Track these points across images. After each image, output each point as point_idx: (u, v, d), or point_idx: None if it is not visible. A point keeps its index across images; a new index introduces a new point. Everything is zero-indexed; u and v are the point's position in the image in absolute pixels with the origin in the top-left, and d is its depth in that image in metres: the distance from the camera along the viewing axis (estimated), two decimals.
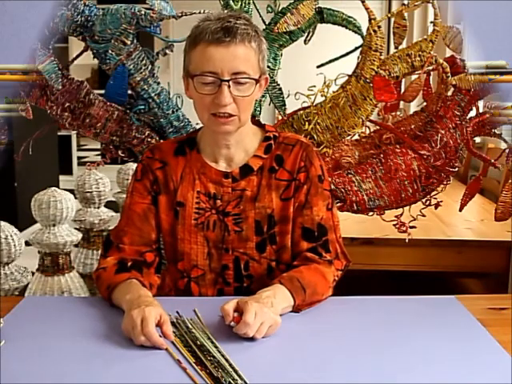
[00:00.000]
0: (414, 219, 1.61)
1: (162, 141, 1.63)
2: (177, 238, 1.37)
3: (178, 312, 1.19)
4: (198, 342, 1.08)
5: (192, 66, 1.26)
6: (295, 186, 1.35)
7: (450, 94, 1.58)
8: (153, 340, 1.06)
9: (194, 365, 1.02)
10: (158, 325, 1.11)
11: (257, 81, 1.27)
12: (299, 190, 1.36)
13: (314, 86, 1.59)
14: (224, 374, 0.98)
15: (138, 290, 1.23)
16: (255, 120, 1.43)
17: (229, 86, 1.23)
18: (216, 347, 1.07)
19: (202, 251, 1.36)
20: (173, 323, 1.14)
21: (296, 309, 1.24)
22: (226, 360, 1.02)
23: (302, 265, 1.33)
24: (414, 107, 3.12)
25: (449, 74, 1.55)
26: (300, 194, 1.36)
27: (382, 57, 1.57)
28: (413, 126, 1.65)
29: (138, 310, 1.10)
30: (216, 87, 1.23)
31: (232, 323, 1.10)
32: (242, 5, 1.63)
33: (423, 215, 1.60)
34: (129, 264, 1.33)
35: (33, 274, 2.05)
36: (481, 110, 1.59)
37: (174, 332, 1.12)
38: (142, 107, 1.63)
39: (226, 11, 1.35)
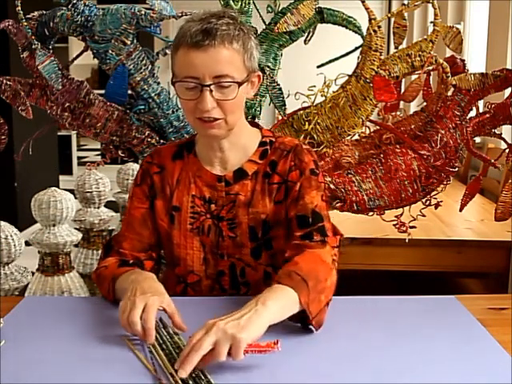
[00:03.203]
0: (414, 219, 1.61)
1: (164, 144, 1.63)
2: (173, 242, 1.35)
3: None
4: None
5: (175, 71, 1.24)
6: (286, 187, 1.31)
7: (450, 93, 1.58)
8: (142, 331, 1.05)
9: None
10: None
11: (240, 83, 1.22)
12: (292, 189, 1.31)
13: (314, 86, 1.59)
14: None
15: (142, 273, 1.24)
16: (253, 122, 1.40)
17: (211, 91, 1.19)
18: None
19: (199, 256, 1.34)
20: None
21: (305, 307, 1.11)
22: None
23: (295, 255, 1.23)
24: (414, 107, 3.14)
25: (449, 74, 1.55)
26: (293, 192, 1.31)
27: (382, 57, 1.57)
28: (413, 126, 1.65)
29: (144, 296, 1.10)
30: (198, 92, 1.20)
31: None
32: (242, 5, 1.63)
33: (423, 215, 1.60)
34: (130, 261, 1.34)
35: (33, 273, 2.05)
36: (481, 110, 1.60)
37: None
38: (142, 107, 1.63)
39: (209, 10, 1.26)
